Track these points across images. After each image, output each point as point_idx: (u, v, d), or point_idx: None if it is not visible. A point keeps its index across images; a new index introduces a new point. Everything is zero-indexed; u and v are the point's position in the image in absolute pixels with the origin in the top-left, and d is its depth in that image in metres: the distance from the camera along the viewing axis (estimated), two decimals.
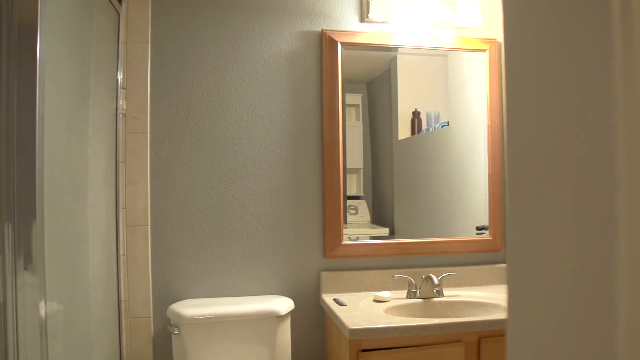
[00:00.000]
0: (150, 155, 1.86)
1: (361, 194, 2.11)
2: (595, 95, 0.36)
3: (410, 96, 2.14)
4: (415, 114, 2.13)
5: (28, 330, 1.03)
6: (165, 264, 1.87)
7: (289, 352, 1.78)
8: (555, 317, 0.42)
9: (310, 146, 1.98)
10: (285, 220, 1.96)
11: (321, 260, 1.97)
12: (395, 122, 2.11)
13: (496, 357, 1.56)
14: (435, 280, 1.85)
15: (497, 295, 1.87)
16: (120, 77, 1.80)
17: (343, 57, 1.97)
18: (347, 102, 2.03)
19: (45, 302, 1.06)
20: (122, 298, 1.78)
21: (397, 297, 1.87)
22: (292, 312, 1.84)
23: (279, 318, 1.74)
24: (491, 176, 2.08)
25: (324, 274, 1.94)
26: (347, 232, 1.99)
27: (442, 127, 2.13)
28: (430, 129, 2.14)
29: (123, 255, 1.80)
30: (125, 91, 1.82)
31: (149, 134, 1.85)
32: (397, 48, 2.06)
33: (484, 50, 2.09)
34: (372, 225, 2.11)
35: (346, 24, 2.01)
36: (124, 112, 1.81)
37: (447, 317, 1.77)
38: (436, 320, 1.57)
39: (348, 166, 2.03)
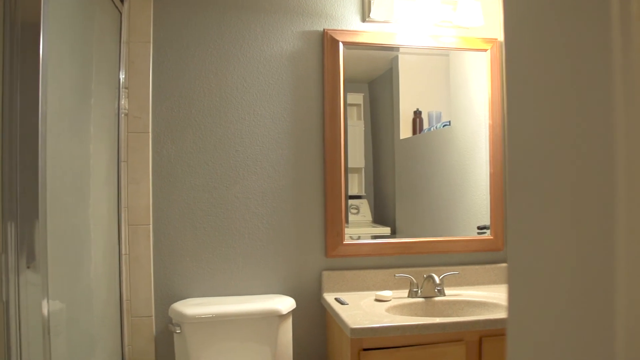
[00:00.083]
0: (152, 155, 1.86)
1: (363, 193, 2.11)
2: (595, 95, 0.36)
3: (411, 96, 2.14)
4: (417, 114, 2.13)
5: (31, 329, 1.03)
6: (167, 263, 1.87)
7: (290, 351, 1.79)
8: (555, 317, 0.42)
9: (312, 145, 1.98)
10: (286, 220, 1.96)
11: (323, 259, 1.97)
12: (397, 121, 2.11)
13: (497, 356, 1.56)
14: (437, 280, 1.85)
15: (498, 295, 1.87)
16: (122, 76, 1.80)
17: (345, 56, 1.97)
18: (348, 101, 2.03)
19: (47, 301, 1.07)
20: (124, 297, 1.79)
21: (398, 296, 1.87)
22: (293, 311, 1.84)
23: (281, 317, 1.74)
24: (492, 176, 2.08)
25: (325, 273, 1.94)
26: (348, 231, 1.99)
27: (443, 126, 2.13)
28: (432, 129, 2.14)
29: (125, 254, 1.81)
30: (127, 91, 1.82)
31: (150, 134, 1.86)
32: (398, 48, 2.06)
33: (485, 50, 2.09)
34: (374, 225, 2.11)
35: (348, 23, 2.01)
36: (126, 111, 1.82)
37: (449, 317, 1.77)
38: (437, 320, 1.57)
39: (350, 165, 2.03)
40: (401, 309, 1.78)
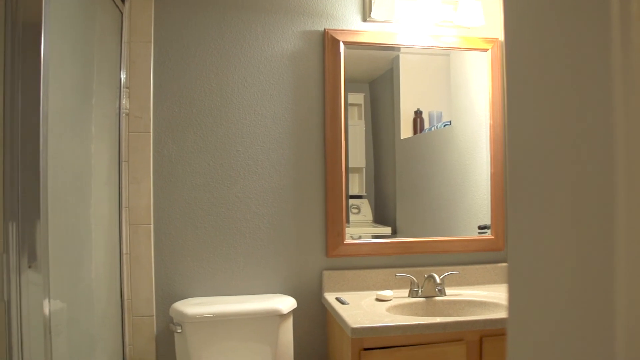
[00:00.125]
0: (153, 155, 1.87)
1: (363, 193, 2.11)
2: (595, 95, 0.36)
3: (412, 95, 2.14)
4: (418, 114, 2.13)
5: (32, 328, 1.04)
6: (168, 263, 1.87)
7: (291, 351, 1.79)
8: (555, 317, 0.42)
9: (313, 145, 1.98)
10: (287, 219, 1.96)
11: (323, 259, 1.97)
12: (398, 121, 2.11)
13: (498, 356, 1.56)
14: (438, 279, 1.85)
15: (499, 295, 1.87)
16: (123, 76, 1.80)
17: (345, 56, 1.98)
18: (349, 101, 2.04)
19: (49, 301, 1.07)
20: (125, 296, 1.79)
21: (399, 296, 1.87)
22: (294, 311, 1.84)
23: (282, 317, 1.74)
24: (493, 175, 2.08)
25: (326, 273, 1.94)
26: (349, 231, 1.99)
27: (444, 126, 2.13)
28: (433, 129, 2.14)
29: (126, 254, 1.81)
30: (128, 90, 1.82)
31: (151, 133, 1.86)
32: (399, 47, 2.06)
33: (486, 50, 2.09)
34: (375, 225, 2.11)
35: (349, 23, 2.01)
36: (127, 111, 1.82)
37: (449, 316, 1.77)
38: (438, 319, 1.57)
39: (350, 165, 2.03)
40: (402, 309, 1.79)
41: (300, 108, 1.98)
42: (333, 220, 1.95)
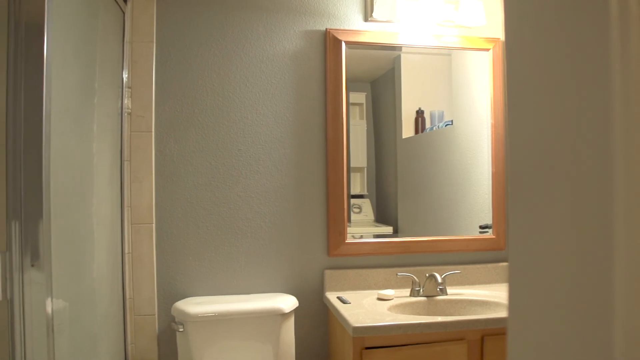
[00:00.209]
0: (155, 154, 1.87)
1: (365, 192, 2.11)
2: (594, 95, 0.37)
3: (414, 95, 2.14)
4: (419, 113, 2.13)
5: (35, 327, 1.04)
6: (170, 262, 1.88)
7: (293, 350, 1.79)
8: (555, 316, 0.42)
9: (314, 145, 1.98)
10: (289, 219, 1.96)
11: (325, 258, 1.97)
12: (399, 120, 2.11)
13: (499, 355, 1.56)
14: (439, 279, 1.85)
15: (500, 294, 1.87)
16: (125, 76, 1.81)
17: (347, 56, 1.98)
18: (351, 101, 2.04)
19: (51, 299, 1.07)
20: (127, 296, 1.80)
21: (400, 295, 1.87)
22: (296, 310, 1.84)
23: (283, 316, 1.75)
24: (495, 175, 2.08)
25: (327, 272, 1.94)
26: (350, 230, 2.00)
27: (445, 126, 2.13)
28: (434, 128, 2.14)
29: (128, 253, 1.81)
30: (130, 90, 1.83)
31: (153, 133, 1.86)
32: (401, 47, 2.06)
33: (487, 49, 2.09)
34: (376, 224, 2.11)
35: (350, 23, 2.02)
36: (129, 110, 1.82)
37: (451, 315, 1.77)
38: (439, 319, 1.57)
39: (352, 165, 2.03)
40: (403, 308, 1.79)
41: (301, 107, 1.98)
42: (334, 220, 1.96)
